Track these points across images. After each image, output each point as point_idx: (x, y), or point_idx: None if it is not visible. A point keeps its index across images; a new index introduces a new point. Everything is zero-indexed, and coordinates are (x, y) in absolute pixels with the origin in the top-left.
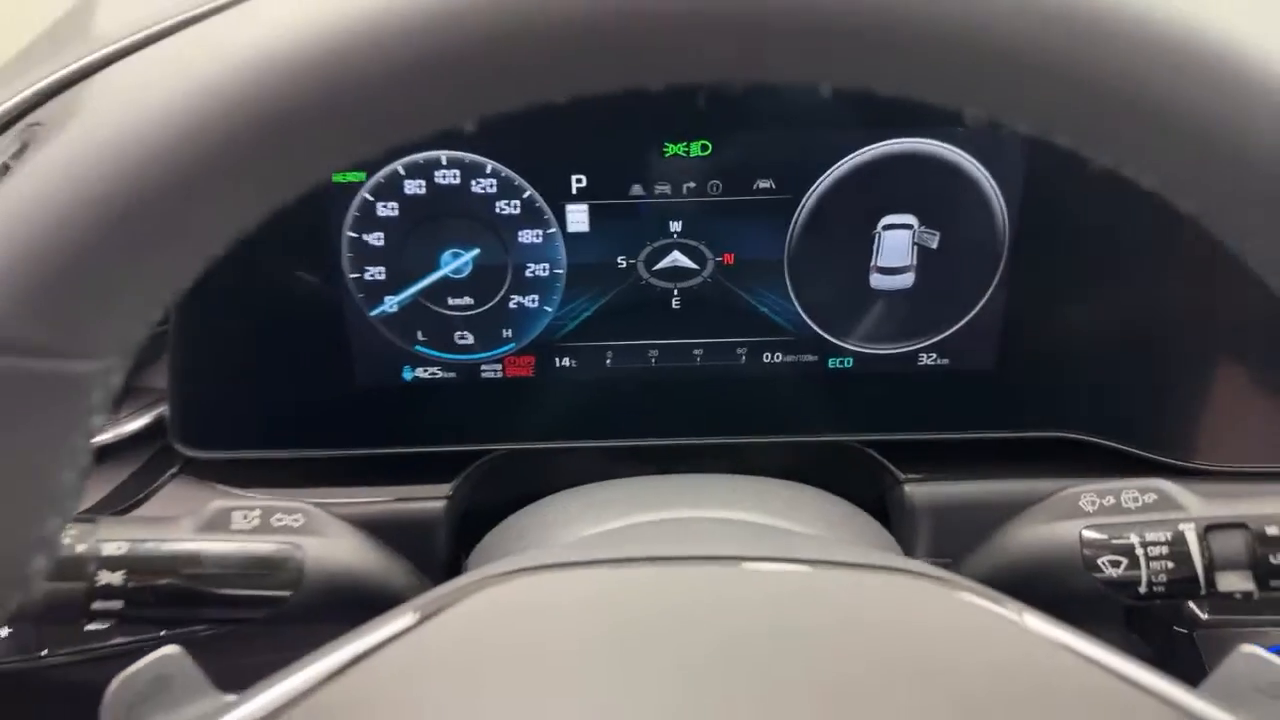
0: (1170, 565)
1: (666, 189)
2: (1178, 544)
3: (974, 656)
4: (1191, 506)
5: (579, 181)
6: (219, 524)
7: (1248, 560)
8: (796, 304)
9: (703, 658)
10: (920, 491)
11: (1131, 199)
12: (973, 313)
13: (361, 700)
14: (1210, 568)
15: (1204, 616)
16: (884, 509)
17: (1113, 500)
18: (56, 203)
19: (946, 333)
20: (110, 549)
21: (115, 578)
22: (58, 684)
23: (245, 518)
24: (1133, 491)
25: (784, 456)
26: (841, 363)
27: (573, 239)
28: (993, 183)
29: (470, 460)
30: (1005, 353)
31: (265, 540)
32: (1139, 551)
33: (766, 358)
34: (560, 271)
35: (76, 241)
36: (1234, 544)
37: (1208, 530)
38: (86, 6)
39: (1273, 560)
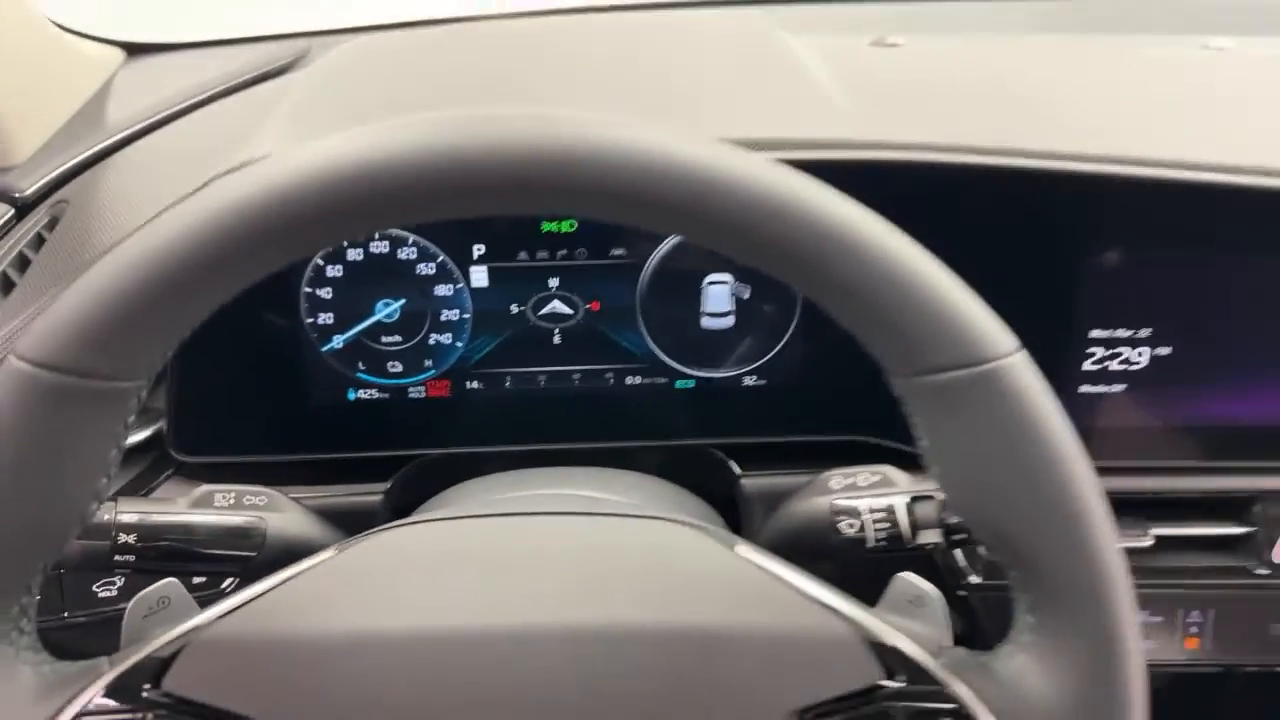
0: (887, 525)
1: (545, 254)
2: (891, 511)
3: (687, 567)
4: (902, 484)
5: (480, 249)
6: (204, 502)
7: (937, 522)
8: (647, 339)
9: (518, 567)
10: (753, 484)
11: None
12: (779, 345)
13: (296, 598)
14: (913, 527)
15: (976, 581)
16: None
17: (852, 480)
18: (122, 283)
19: (762, 360)
20: (127, 518)
21: (130, 538)
22: (71, 643)
23: (224, 498)
24: (866, 474)
25: (653, 457)
26: (685, 384)
27: (476, 292)
28: None
29: (402, 463)
30: (805, 375)
31: (238, 514)
32: (865, 516)
33: (628, 380)
34: (468, 316)
35: (132, 307)
36: (929, 510)
37: (913, 500)
38: (99, 100)
39: (950, 521)
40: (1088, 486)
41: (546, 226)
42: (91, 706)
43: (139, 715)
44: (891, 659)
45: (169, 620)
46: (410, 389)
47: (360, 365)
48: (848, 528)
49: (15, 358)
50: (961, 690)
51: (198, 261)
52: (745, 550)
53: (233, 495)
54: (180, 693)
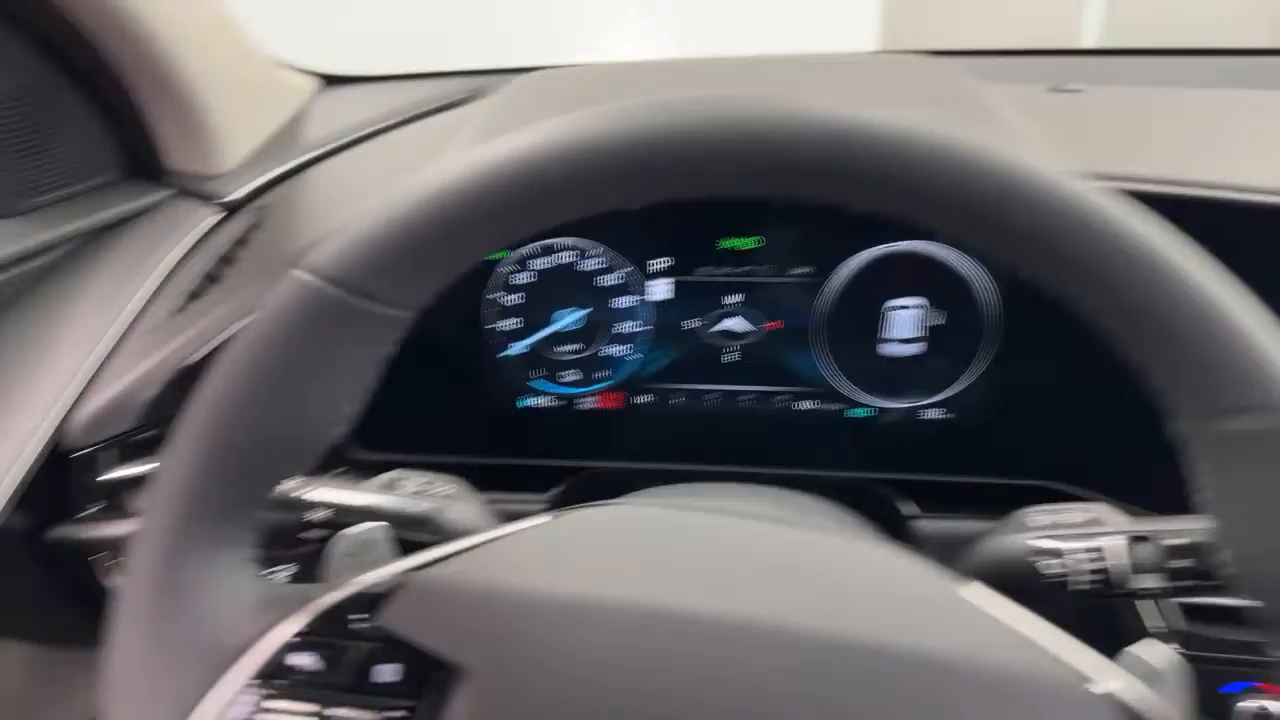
0: (1098, 567)
1: (728, 270)
2: (1101, 552)
3: (917, 595)
4: (1114, 524)
5: (663, 263)
6: (393, 485)
7: (1158, 566)
8: (823, 363)
9: (745, 567)
10: (929, 527)
11: None
12: (969, 377)
13: (513, 556)
14: (1132, 571)
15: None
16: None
17: (1055, 519)
18: (416, 215)
19: (946, 393)
20: (318, 495)
21: (320, 515)
22: None
23: (413, 483)
24: (1076, 512)
25: (817, 489)
26: (859, 413)
27: (657, 305)
28: (984, 274)
29: (562, 474)
30: (995, 411)
31: (422, 501)
32: (1075, 556)
33: (798, 405)
34: (647, 328)
35: (422, 239)
36: (1149, 553)
37: (1132, 541)
38: (298, 122)
39: (1175, 566)
40: None
41: (727, 243)
42: (302, 628)
43: (337, 643)
44: None
45: (374, 561)
46: (581, 399)
47: (534, 373)
48: (1048, 568)
49: (303, 271)
50: None
51: (484, 206)
52: (974, 591)
53: (423, 480)
54: (391, 628)
